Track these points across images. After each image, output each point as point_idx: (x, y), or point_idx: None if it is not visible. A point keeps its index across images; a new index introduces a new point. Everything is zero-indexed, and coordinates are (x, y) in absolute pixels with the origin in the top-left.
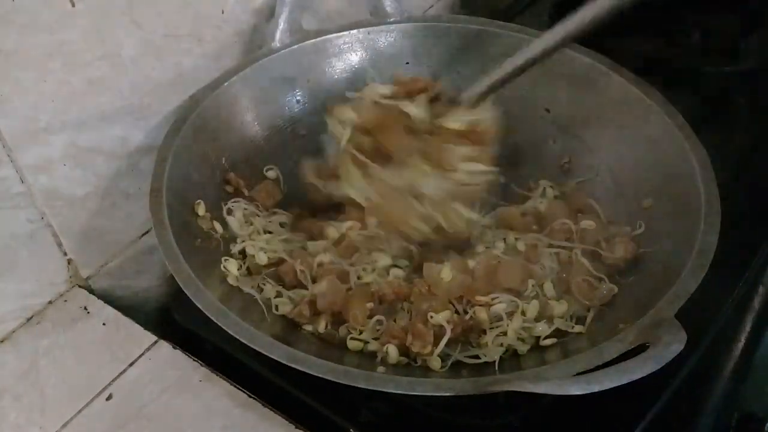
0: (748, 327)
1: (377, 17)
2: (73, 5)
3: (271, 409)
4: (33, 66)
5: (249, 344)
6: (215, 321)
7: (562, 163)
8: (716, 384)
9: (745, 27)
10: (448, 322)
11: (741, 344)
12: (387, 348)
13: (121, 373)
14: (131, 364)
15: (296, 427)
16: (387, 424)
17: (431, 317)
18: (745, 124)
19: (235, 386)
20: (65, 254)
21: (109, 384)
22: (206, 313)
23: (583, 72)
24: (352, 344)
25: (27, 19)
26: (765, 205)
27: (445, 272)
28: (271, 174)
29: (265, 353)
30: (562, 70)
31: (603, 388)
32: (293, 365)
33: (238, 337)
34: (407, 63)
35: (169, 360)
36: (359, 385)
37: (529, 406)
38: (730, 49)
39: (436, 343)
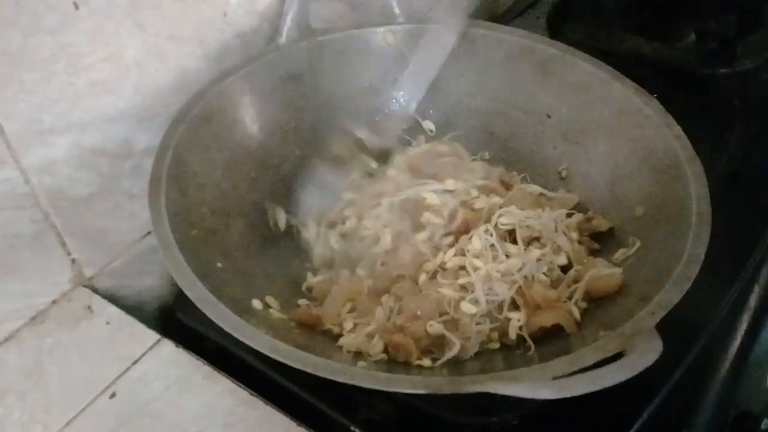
0: (744, 326)
1: (385, 18)
2: (77, 7)
3: (273, 407)
4: (37, 68)
5: (243, 339)
6: (204, 312)
7: (560, 170)
8: (712, 382)
9: (741, 28)
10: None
11: (737, 343)
12: (374, 341)
13: (125, 372)
14: (135, 363)
15: (298, 425)
16: (388, 422)
17: (430, 325)
18: (741, 125)
19: (237, 384)
20: (69, 254)
21: (113, 382)
22: (197, 304)
23: (586, 79)
24: (345, 340)
25: (30, 21)
26: (761, 205)
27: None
28: None
29: (251, 345)
30: (565, 77)
31: (574, 394)
32: (275, 356)
33: (233, 333)
34: None
35: (172, 358)
36: (339, 380)
37: (528, 404)
38: (726, 51)
39: (424, 348)
